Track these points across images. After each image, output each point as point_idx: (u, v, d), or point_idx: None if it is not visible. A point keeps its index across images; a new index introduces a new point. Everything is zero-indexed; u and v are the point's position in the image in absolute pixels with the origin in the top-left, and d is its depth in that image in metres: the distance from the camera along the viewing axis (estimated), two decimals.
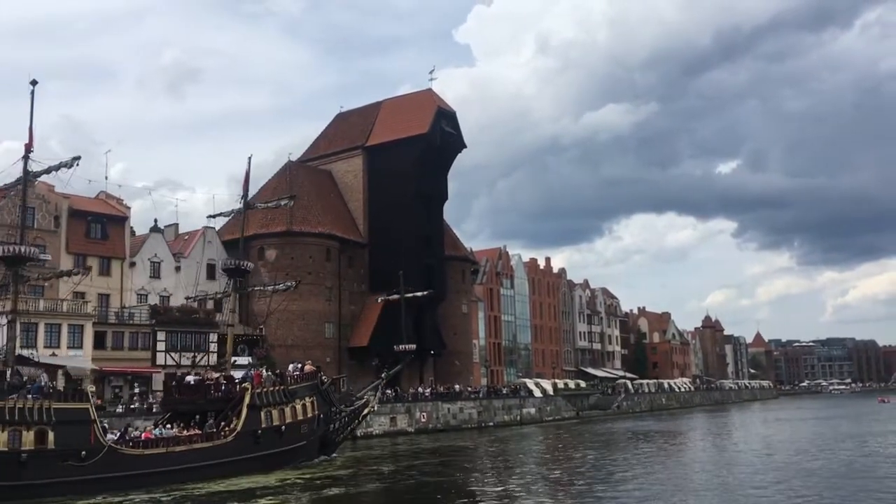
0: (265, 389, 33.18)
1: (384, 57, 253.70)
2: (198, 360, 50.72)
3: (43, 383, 28.49)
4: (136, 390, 45.59)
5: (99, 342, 45.77)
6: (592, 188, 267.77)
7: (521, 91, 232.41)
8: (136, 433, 30.20)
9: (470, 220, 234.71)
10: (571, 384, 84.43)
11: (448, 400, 59.81)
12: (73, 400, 28.03)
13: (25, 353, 35.09)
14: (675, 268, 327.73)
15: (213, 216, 42.65)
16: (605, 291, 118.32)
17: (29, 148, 30.50)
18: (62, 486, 25.92)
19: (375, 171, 67.39)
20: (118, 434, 29.27)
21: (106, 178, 57.47)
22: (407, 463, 36.59)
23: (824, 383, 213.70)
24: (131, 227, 54.56)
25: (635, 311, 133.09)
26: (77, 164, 30.27)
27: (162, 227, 56.38)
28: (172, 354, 48.98)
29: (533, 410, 69.50)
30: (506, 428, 62.05)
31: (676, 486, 28.05)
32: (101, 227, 51.06)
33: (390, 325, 62.19)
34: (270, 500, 26.13)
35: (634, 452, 41.25)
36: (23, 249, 29.77)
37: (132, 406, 42.02)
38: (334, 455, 37.71)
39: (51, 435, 26.15)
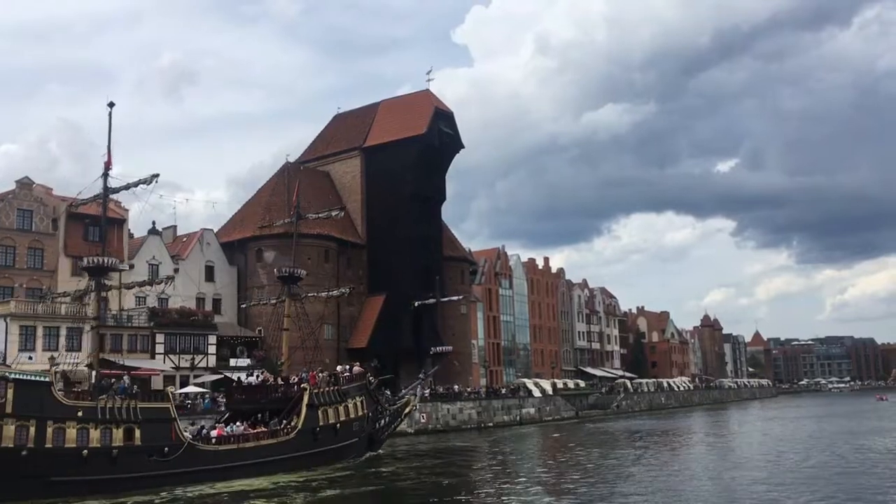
0: (321, 390, 35.60)
1: (382, 58, 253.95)
2: (196, 362, 50.78)
3: (122, 385, 30.90)
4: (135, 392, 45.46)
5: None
6: (591, 188, 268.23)
7: (520, 91, 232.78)
8: (208, 431, 32.41)
9: (469, 221, 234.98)
10: (571, 384, 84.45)
11: (447, 400, 59.79)
12: (156, 400, 30.57)
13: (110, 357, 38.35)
14: (674, 267, 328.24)
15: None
16: (603, 291, 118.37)
17: (108, 166, 32.66)
18: (148, 479, 27.90)
19: (373, 172, 67.34)
20: (195, 432, 31.57)
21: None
22: (406, 464, 36.58)
23: (823, 382, 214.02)
24: (129, 230, 54.49)
25: (634, 311, 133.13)
26: (156, 181, 32.35)
27: (160, 230, 56.33)
28: (171, 356, 49.01)
29: (532, 410, 69.50)
30: (505, 428, 62.05)
31: (676, 485, 28.07)
32: (99, 230, 50.92)
33: (389, 327, 62.25)
34: (275, 500, 26.24)
35: (634, 452, 41.25)
36: (105, 260, 32.44)
37: None
38: (380, 451, 40.24)
39: (137, 432, 28.36)
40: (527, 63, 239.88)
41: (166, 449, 28.76)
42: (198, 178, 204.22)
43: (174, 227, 60.09)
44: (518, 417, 66.58)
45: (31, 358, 42.32)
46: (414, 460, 38.47)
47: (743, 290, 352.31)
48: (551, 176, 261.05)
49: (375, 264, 64.88)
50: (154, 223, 56.41)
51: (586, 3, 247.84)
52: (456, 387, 63.91)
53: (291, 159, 69.52)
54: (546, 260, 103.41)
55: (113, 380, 31.89)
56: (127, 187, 32.68)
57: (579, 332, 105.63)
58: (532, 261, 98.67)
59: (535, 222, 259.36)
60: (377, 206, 66.22)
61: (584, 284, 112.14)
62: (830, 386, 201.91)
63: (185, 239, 58.43)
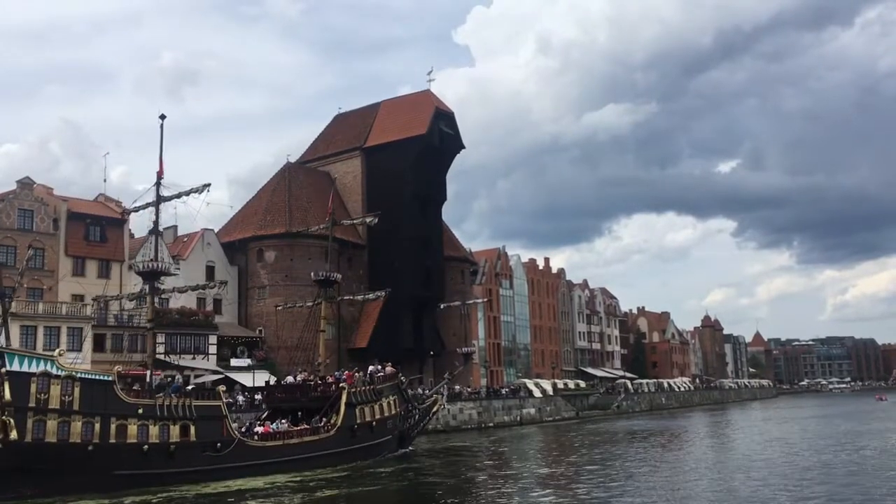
0: (358, 389, 37.31)
1: (383, 58, 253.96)
2: (197, 362, 50.77)
3: (179, 383, 32.86)
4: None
5: (98, 344, 45.79)
6: (592, 188, 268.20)
7: (521, 91, 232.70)
8: (253, 427, 34.06)
9: (470, 221, 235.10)
10: (571, 384, 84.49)
11: (448, 401, 59.71)
12: (208, 398, 32.20)
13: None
14: (675, 267, 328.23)
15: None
16: (604, 291, 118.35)
17: (160, 175, 34.77)
18: (202, 473, 29.58)
19: (374, 172, 67.33)
20: (237, 428, 32.79)
21: (104, 180, 57.50)
22: (405, 465, 36.59)
23: (824, 382, 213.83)
24: (130, 230, 54.49)
25: (634, 311, 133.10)
26: (208, 191, 34.21)
27: (161, 230, 56.23)
28: (172, 356, 48.99)
29: (533, 411, 69.51)
30: (506, 428, 62.07)
31: (676, 485, 28.08)
32: (99, 230, 51.00)
33: (390, 327, 62.24)
34: (268, 501, 26.23)
35: (634, 452, 41.28)
36: (159, 265, 34.44)
37: None
38: (411, 448, 41.94)
39: (192, 429, 30.06)
40: (528, 63, 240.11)
41: (219, 444, 30.50)
42: (199, 178, 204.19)
43: (175, 228, 60.05)
44: (518, 418, 66.58)
45: None
46: (413, 461, 38.47)
47: (744, 291, 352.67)
48: (552, 176, 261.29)
49: (376, 264, 64.88)
50: (155, 223, 56.35)
51: (587, 3, 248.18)
52: (456, 387, 63.91)
53: (292, 159, 69.61)
54: (546, 260, 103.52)
55: (169, 379, 34.07)
56: (178, 195, 34.02)
57: (580, 333, 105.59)
58: (532, 261, 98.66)
59: (536, 222, 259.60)
60: (378, 206, 66.10)
61: (585, 285, 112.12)
62: (831, 386, 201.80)
63: (185, 239, 58.42)
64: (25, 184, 48.53)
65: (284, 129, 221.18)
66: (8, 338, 30.01)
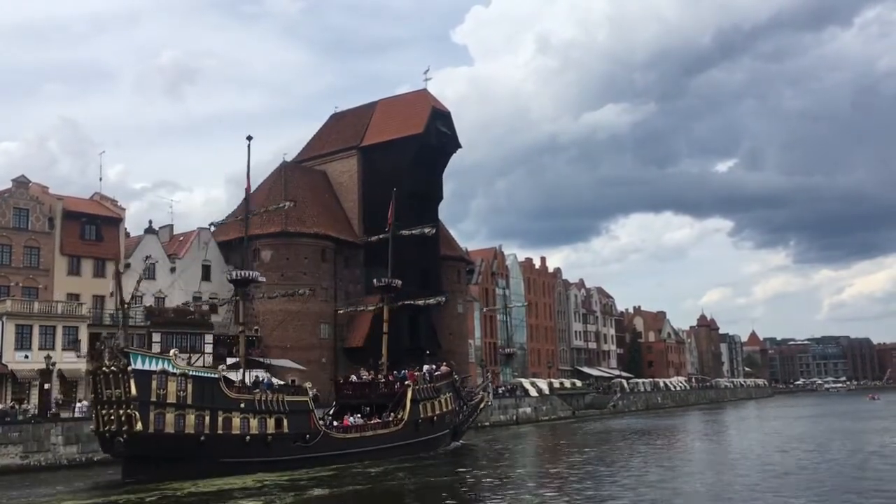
0: (421, 386, 40.85)
1: (382, 58, 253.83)
2: (193, 361, 50.62)
3: (266, 380, 36.59)
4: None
5: (94, 344, 45.63)
6: (590, 188, 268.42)
7: (520, 91, 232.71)
8: (332, 421, 37.59)
9: (468, 220, 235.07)
10: (567, 383, 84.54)
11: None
12: (297, 394, 35.60)
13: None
14: (672, 267, 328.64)
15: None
16: (600, 291, 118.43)
17: (248, 191, 40.95)
18: (293, 461, 32.83)
19: (370, 172, 67.23)
20: (327, 421, 36.65)
21: (100, 178, 57.46)
22: (396, 465, 36.51)
23: (819, 381, 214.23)
24: (125, 229, 54.41)
25: (631, 311, 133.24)
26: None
27: (156, 229, 56.22)
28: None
29: (529, 410, 69.54)
30: (502, 428, 62.06)
31: (671, 484, 28.13)
32: (95, 229, 50.87)
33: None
34: (257, 500, 26.28)
35: (630, 451, 41.38)
36: (249, 274, 38.40)
37: None
38: (462, 442, 45.23)
39: (285, 421, 33.55)
40: (527, 63, 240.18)
41: (307, 436, 34.00)
42: (197, 176, 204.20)
43: (171, 227, 59.99)
44: (515, 417, 66.60)
45: (27, 357, 42.26)
46: (410, 459, 38.38)
47: (740, 290, 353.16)
48: (550, 175, 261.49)
49: (372, 264, 64.73)
50: (150, 222, 56.40)
51: (588, 3, 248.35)
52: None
53: (289, 158, 69.51)
54: (543, 259, 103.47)
55: (262, 377, 37.70)
56: (267, 210, 43.53)
57: (576, 332, 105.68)
58: (529, 260, 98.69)
59: (534, 222, 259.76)
60: (374, 205, 66.10)
61: (581, 284, 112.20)
62: (827, 386, 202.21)
63: (181, 238, 58.32)
64: (21, 182, 48.39)
65: (283, 128, 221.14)
66: (127, 339, 32.93)
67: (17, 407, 38.45)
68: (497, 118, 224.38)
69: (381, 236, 49.21)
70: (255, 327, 56.37)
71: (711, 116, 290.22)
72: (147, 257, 51.37)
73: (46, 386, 39.30)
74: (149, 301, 51.60)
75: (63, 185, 73.30)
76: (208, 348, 51.57)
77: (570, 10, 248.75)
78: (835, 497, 24.55)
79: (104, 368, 30.68)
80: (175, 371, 30.78)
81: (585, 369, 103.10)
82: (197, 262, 55.63)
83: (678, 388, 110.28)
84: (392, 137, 66.19)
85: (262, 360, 46.03)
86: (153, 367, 30.23)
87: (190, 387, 30.84)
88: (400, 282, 46.03)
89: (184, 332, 50.16)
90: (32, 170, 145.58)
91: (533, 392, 73.14)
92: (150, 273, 52.87)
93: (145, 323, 48.65)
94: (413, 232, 48.96)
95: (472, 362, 75.07)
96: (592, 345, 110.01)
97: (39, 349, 42.31)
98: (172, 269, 54.36)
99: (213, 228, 52.58)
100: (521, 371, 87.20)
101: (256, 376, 38.55)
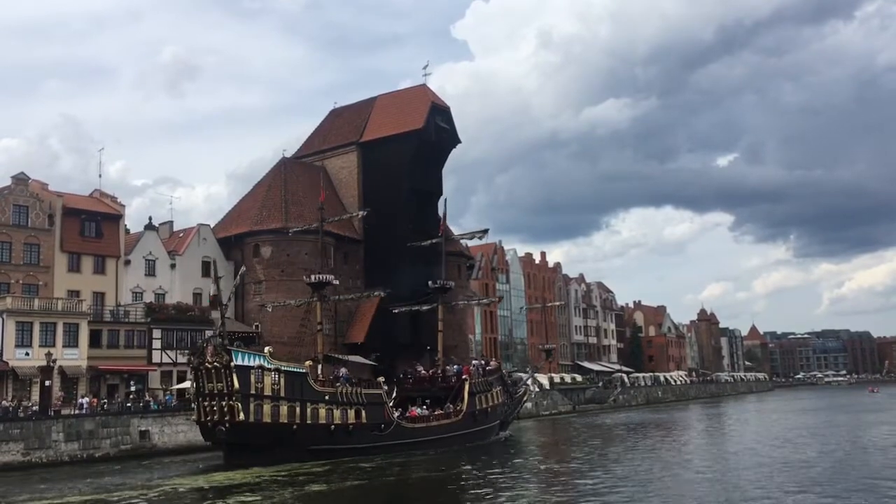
0: (476, 380, 43.94)
1: (382, 54, 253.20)
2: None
3: (345, 375, 39.29)
4: (133, 388, 45.47)
5: (94, 340, 45.71)
6: (591, 183, 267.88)
7: (521, 86, 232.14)
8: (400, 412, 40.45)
9: (468, 216, 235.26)
10: (568, 378, 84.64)
11: None
12: (373, 388, 38.82)
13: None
14: (673, 261, 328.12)
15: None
16: (600, 285, 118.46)
17: (322, 201, 45.39)
18: (370, 449, 35.95)
19: (370, 167, 67.16)
20: (398, 412, 39.76)
21: (100, 175, 57.42)
22: (389, 459, 36.54)
23: (819, 375, 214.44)
24: (125, 226, 54.38)
25: (631, 305, 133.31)
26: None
27: (156, 225, 56.20)
28: (168, 352, 48.95)
29: (529, 405, 69.54)
30: None
31: (671, 478, 28.17)
32: (95, 226, 50.84)
33: (387, 322, 62.14)
34: (253, 496, 26.36)
35: (630, 446, 41.46)
36: (324, 277, 42.21)
37: (128, 405, 41.95)
38: (508, 432, 48.37)
39: (364, 412, 36.93)
40: (528, 58, 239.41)
41: (382, 426, 37.43)
42: (198, 172, 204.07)
43: (171, 223, 59.96)
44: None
45: (27, 354, 42.26)
46: (410, 454, 38.43)
47: (741, 284, 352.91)
48: (551, 171, 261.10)
49: (372, 259, 64.79)
50: (150, 218, 56.35)
51: None
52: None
53: (288, 154, 69.43)
54: (543, 254, 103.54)
55: (341, 373, 39.91)
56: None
57: (576, 327, 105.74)
58: (529, 255, 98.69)
59: (535, 217, 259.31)
60: (374, 201, 66.06)
61: (581, 279, 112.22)
62: (827, 379, 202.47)
63: (181, 234, 58.30)
64: (20, 179, 48.35)
65: (284, 124, 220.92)
66: (225, 337, 34.51)
67: (17, 405, 38.39)
68: (497, 113, 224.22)
69: (434, 241, 51.29)
70: (256, 323, 56.54)
71: (712, 111, 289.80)
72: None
73: (47, 383, 39.29)
74: (149, 297, 51.60)
75: (64, 183, 73.50)
76: None
77: (572, 5, 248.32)
78: (835, 490, 24.58)
79: (207, 364, 33.53)
80: (270, 366, 33.74)
81: (586, 364, 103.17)
82: (197, 259, 55.65)
83: (678, 383, 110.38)
84: (391, 133, 66.07)
85: (340, 357, 49.48)
86: (251, 363, 33.22)
87: (282, 380, 33.95)
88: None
89: (184, 328, 50.16)
90: (34, 167, 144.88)
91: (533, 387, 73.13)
92: (150, 269, 52.97)
93: (146, 319, 48.64)
94: (465, 235, 53.78)
95: (472, 357, 75.12)
96: (593, 339, 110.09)
97: (40, 346, 42.27)
98: (172, 266, 54.36)
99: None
100: (522, 366, 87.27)
101: (336, 371, 41.22)
